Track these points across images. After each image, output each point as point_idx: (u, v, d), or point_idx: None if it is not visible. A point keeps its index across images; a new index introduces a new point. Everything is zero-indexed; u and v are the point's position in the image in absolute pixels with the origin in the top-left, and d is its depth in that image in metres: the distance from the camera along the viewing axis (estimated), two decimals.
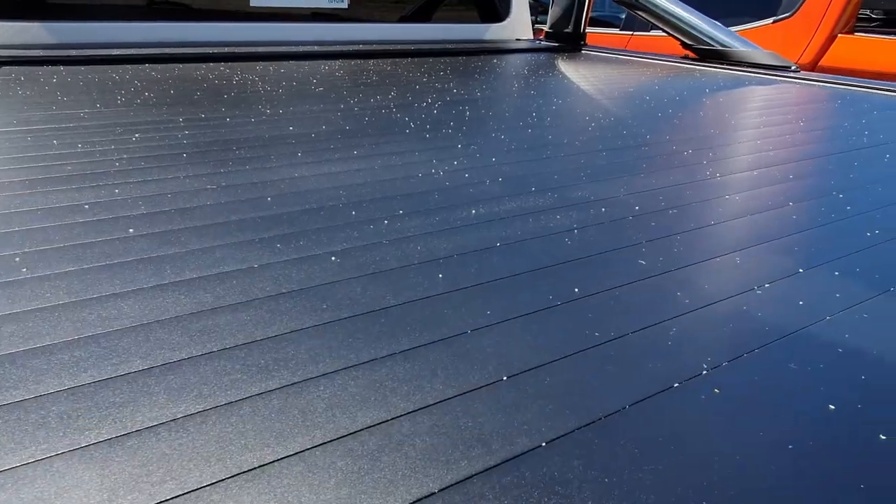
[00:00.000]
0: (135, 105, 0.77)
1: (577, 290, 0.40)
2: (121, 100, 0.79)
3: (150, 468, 0.24)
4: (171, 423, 0.26)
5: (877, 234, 0.48)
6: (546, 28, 1.65)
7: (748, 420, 0.28)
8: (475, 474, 0.25)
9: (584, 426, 0.28)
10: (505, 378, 0.31)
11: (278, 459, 0.25)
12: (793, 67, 1.17)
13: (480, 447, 0.27)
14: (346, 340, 0.33)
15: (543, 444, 0.27)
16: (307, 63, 1.15)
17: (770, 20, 2.44)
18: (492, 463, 0.25)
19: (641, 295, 0.40)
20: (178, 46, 1.17)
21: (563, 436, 0.27)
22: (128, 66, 1.03)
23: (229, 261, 0.40)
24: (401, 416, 0.28)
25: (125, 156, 0.59)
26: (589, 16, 1.58)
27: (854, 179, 0.61)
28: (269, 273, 0.39)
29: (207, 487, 0.24)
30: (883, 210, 0.53)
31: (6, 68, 0.95)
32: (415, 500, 0.23)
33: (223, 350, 0.32)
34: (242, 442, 0.26)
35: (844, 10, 2.27)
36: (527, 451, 0.26)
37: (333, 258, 0.42)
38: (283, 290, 0.38)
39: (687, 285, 0.41)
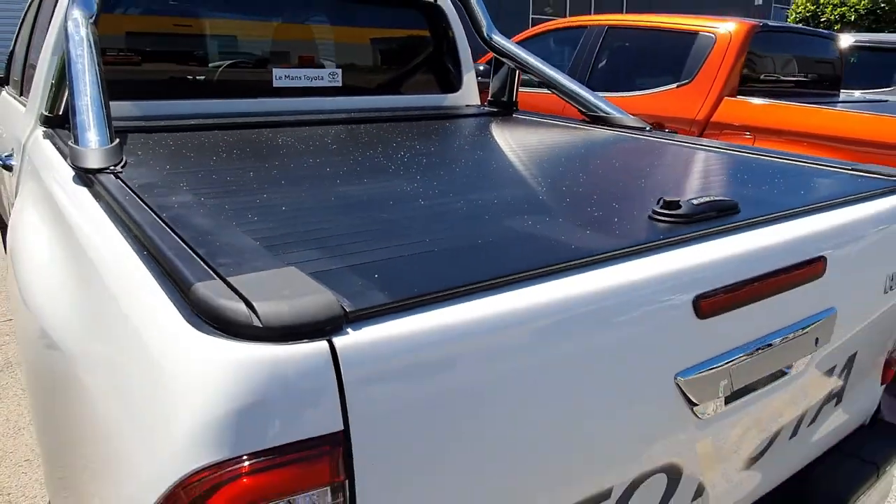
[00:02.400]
0: (291, 158, 1.25)
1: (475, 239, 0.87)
2: (281, 160, 1.27)
3: None
4: None
5: None
6: (489, 97, 2.21)
7: None
8: None
9: None
10: None
11: None
12: (647, 128, 1.73)
13: None
14: None
15: None
16: (320, 128, 1.67)
17: (675, 85, 3.05)
18: None
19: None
20: (228, 117, 1.69)
21: None
22: (220, 131, 1.51)
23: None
24: None
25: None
26: (519, 88, 2.15)
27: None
28: None
29: None
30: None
31: (175, 135, 1.44)
32: None
33: None
34: None
35: (729, 78, 2.88)
36: None
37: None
38: None
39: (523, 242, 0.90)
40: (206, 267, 0.60)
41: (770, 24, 3.00)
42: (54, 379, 0.78)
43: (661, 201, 0.86)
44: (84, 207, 0.90)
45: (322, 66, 1.93)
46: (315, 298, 0.53)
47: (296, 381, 0.50)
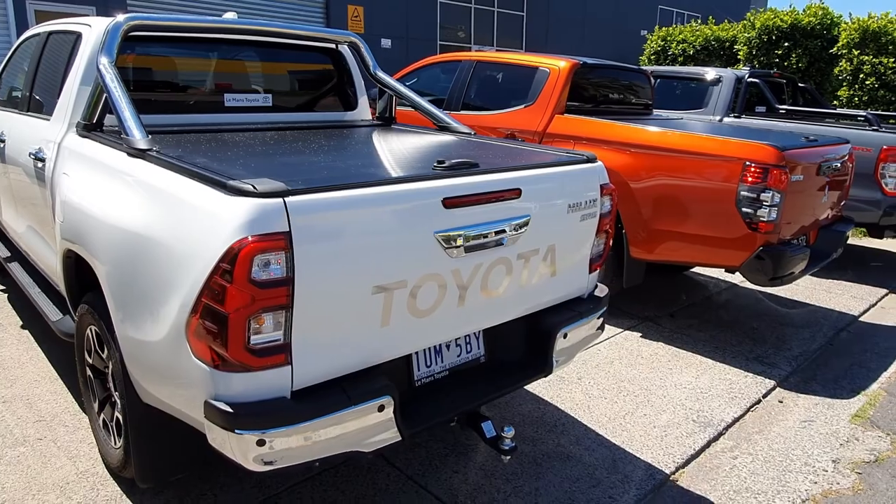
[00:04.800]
0: (248, 146, 2.13)
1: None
2: (242, 147, 2.14)
3: None
4: None
5: None
6: (377, 113, 3.15)
7: None
8: None
9: None
10: None
11: None
12: (472, 133, 2.71)
13: None
14: None
15: None
16: (262, 133, 2.54)
17: (523, 106, 4.09)
18: None
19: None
20: (198, 125, 2.52)
21: None
22: (196, 134, 2.35)
23: None
24: None
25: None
26: (396, 106, 3.09)
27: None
28: None
29: None
30: None
31: (169, 135, 2.26)
32: None
33: None
34: None
35: (558, 102, 3.95)
36: None
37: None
38: None
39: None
40: (230, 178, 1.49)
41: (589, 61, 4.10)
42: (139, 252, 1.63)
43: (437, 161, 1.81)
44: (145, 168, 1.76)
45: (258, 92, 2.81)
46: (278, 184, 1.43)
47: (271, 211, 1.40)
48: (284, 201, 1.42)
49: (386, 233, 1.58)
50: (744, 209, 3.12)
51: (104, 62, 2.14)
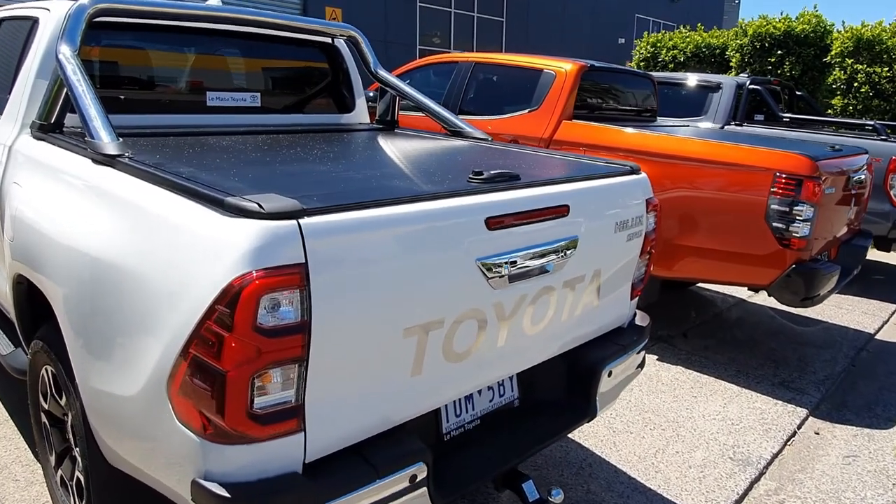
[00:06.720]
0: (240, 152, 1.77)
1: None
2: (234, 153, 1.78)
3: None
4: None
5: None
6: (377, 116, 2.83)
7: None
8: None
9: None
10: None
11: None
12: (489, 139, 2.41)
13: None
14: None
15: None
16: (251, 136, 2.21)
17: (527, 111, 3.82)
18: None
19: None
20: (176, 126, 2.18)
21: None
22: (177, 137, 1.99)
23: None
24: None
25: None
26: (399, 109, 2.78)
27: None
28: None
29: None
30: None
31: (144, 139, 1.90)
32: None
33: None
34: None
35: (566, 107, 3.68)
36: None
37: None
38: None
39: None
40: (228, 194, 1.16)
41: (596, 64, 3.84)
42: (105, 283, 1.29)
43: (473, 171, 1.50)
44: (114, 177, 1.42)
45: (244, 90, 2.47)
46: (291, 202, 1.11)
47: (283, 237, 1.08)
48: (299, 223, 1.10)
49: (421, 261, 1.27)
50: (774, 224, 2.88)
51: (65, 52, 1.79)
